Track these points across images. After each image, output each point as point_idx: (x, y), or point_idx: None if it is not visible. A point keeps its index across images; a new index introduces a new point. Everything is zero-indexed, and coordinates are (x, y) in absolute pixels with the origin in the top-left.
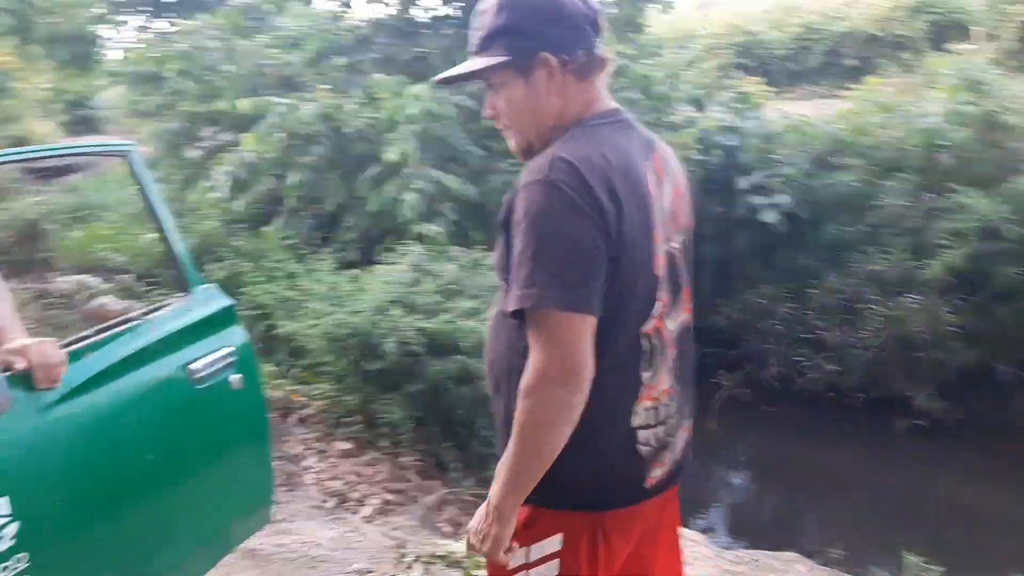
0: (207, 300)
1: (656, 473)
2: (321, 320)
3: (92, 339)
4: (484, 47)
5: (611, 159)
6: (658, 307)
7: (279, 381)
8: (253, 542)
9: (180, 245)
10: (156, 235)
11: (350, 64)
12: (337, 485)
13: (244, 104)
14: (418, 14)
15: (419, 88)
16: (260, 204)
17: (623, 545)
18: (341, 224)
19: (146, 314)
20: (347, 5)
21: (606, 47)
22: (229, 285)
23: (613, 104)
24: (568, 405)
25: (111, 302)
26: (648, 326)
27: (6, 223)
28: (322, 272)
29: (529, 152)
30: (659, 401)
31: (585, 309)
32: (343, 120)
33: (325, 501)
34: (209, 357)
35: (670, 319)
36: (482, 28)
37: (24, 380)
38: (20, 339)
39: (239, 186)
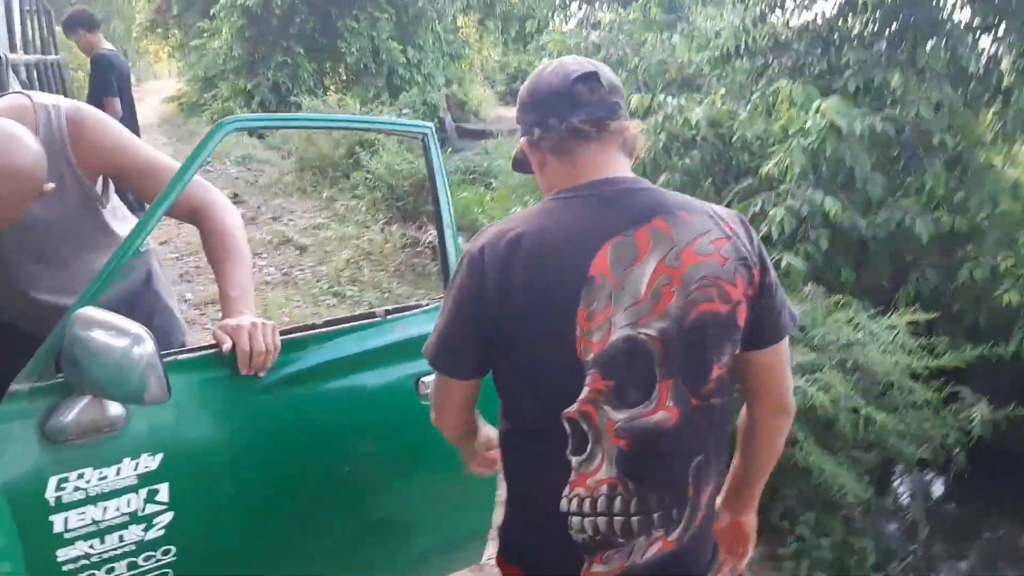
0: None
1: (598, 567)
2: None
3: (320, 330)
4: None
5: (526, 238)
6: (586, 392)
7: None
8: None
9: (452, 242)
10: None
11: (757, 69)
12: None
13: (633, 100)
14: (848, 25)
15: (830, 102)
16: None
17: None
18: None
19: (391, 312)
20: (777, 6)
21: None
22: None
23: (609, 175)
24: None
25: None
26: (571, 409)
27: (407, 174)
28: None
29: None
30: (595, 491)
31: (445, 371)
32: (732, 128)
33: None
34: None
35: (614, 409)
36: None
37: (232, 362)
38: (241, 317)
39: None
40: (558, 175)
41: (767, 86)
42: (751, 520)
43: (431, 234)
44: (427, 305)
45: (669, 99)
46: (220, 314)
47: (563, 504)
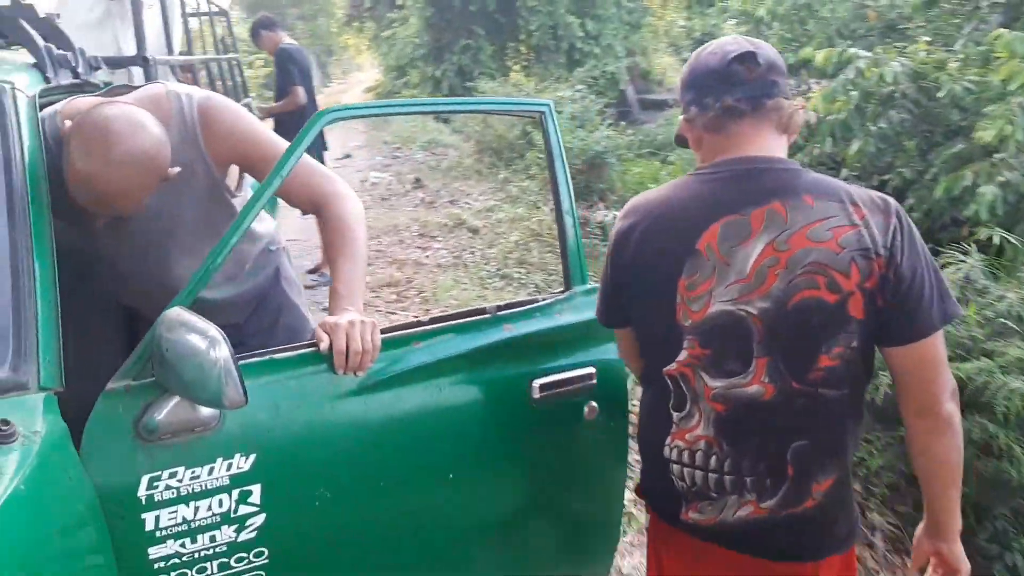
0: (584, 305)
1: (693, 515)
2: None
3: (425, 328)
4: None
5: (654, 207)
6: (684, 355)
7: None
8: None
9: (573, 231)
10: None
11: (969, 12)
12: None
13: (819, 56)
14: None
15: None
16: (813, 166)
17: (670, 563)
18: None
19: (502, 309)
20: None
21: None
22: None
23: (752, 152)
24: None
25: None
26: (671, 368)
27: (577, 151)
28: None
29: None
30: (692, 445)
31: (602, 320)
32: (938, 82)
33: None
34: (562, 375)
35: (710, 376)
36: None
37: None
38: (343, 314)
39: (793, 148)
40: (711, 151)
41: (980, 33)
42: (950, 549)
43: (600, 213)
44: (541, 301)
45: (862, 52)
46: (394, 296)
47: (665, 452)
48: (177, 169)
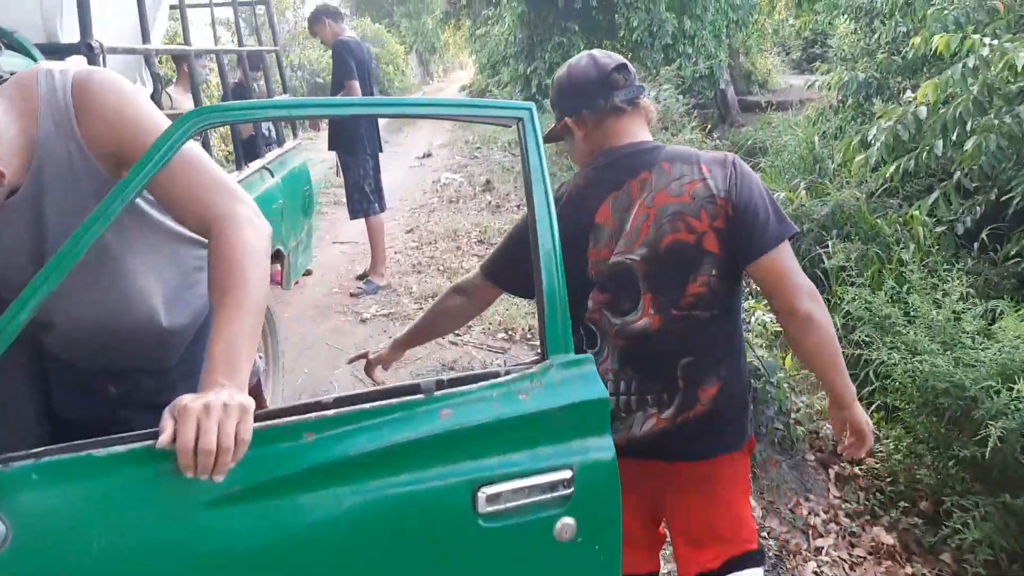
0: (563, 383)
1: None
2: (917, 360)
3: (324, 413)
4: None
5: (566, 193)
6: (591, 304)
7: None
8: None
9: (555, 278)
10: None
11: None
12: None
13: (940, 41)
14: None
15: None
16: (920, 175)
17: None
18: (1018, 227)
19: (444, 386)
20: None
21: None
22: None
23: (631, 140)
24: None
25: None
26: (586, 316)
27: None
28: (949, 293)
29: None
30: (604, 376)
31: (486, 272)
32: None
33: None
34: (523, 480)
35: (613, 316)
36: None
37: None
38: (212, 390)
39: (897, 147)
40: (598, 142)
41: None
42: (852, 415)
43: None
44: (502, 375)
45: (986, 39)
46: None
47: None
48: None
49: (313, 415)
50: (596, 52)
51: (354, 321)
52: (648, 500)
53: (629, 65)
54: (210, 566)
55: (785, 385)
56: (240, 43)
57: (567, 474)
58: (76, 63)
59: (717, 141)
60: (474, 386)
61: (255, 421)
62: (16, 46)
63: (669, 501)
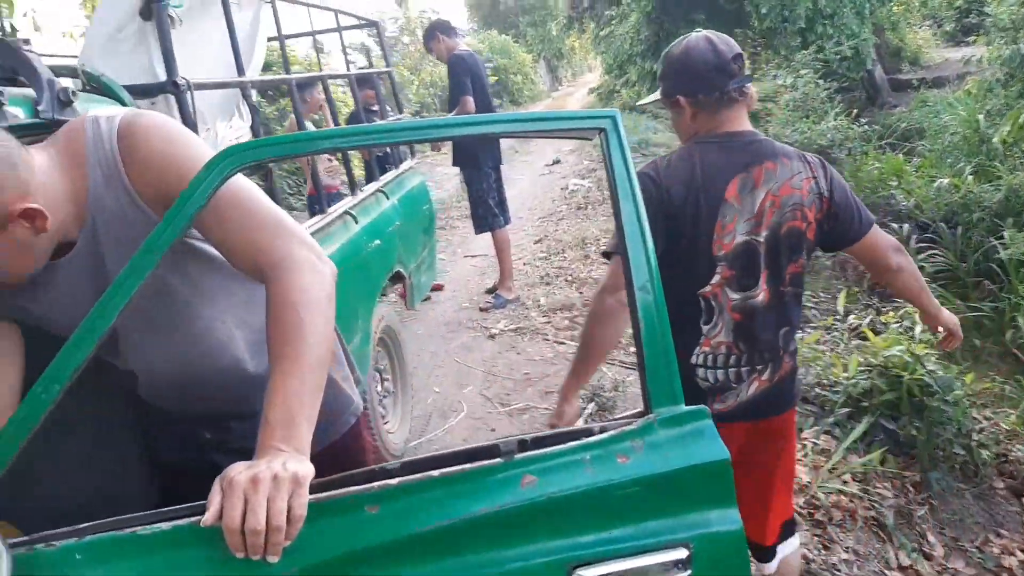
0: (673, 443)
1: (717, 406)
2: None
3: (389, 483)
4: (658, 81)
5: (682, 170)
6: (717, 278)
7: None
8: None
9: (656, 315)
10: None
11: None
12: None
13: None
14: None
15: None
16: None
17: None
18: None
19: (526, 447)
20: None
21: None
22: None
23: (738, 128)
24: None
25: None
26: (706, 290)
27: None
28: None
29: None
30: (716, 350)
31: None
32: None
33: None
34: (629, 560)
35: (732, 291)
36: (670, 70)
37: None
38: (262, 461)
39: None
40: (706, 124)
41: None
42: (944, 316)
43: None
44: (596, 433)
45: None
46: (567, 322)
47: (692, 359)
48: (33, 205)
49: (377, 484)
50: (712, 36)
51: (482, 337)
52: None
53: (743, 54)
54: None
55: (964, 402)
56: (347, 67)
57: (682, 553)
58: (124, 109)
59: (866, 126)
60: (562, 447)
61: (316, 490)
62: (104, 90)
63: (757, 458)
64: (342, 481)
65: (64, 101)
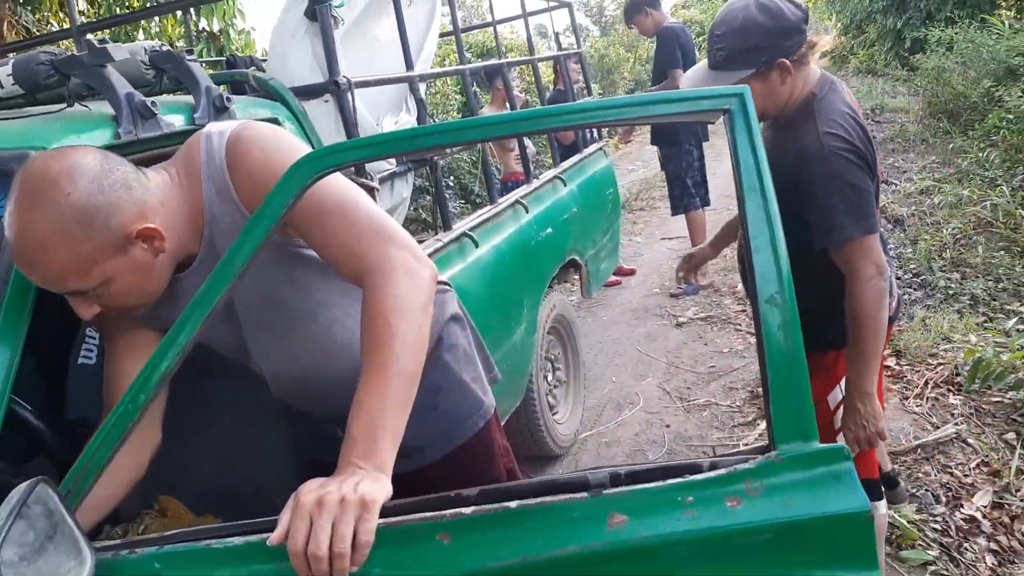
0: (799, 485)
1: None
2: None
3: (461, 512)
4: (730, 61)
5: (852, 122)
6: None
7: None
8: None
9: (785, 332)
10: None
11: None
12: None
13: None
14: None
15: None
16: None
17: None
18: None
19: (619, 482)
20: None
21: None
22: None
23: (818, 71)
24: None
25: None
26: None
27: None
28: None
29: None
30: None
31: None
32: None
33: None
34: None
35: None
36: (727, 47)
37: None
38: (345, 474)
39: None
40: (796, 85)
41: None
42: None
43: None
44: (705, 469)
45: None
46: (741, 306)
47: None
48: (150, 225)
49: (450, 513)
50: None
51: (669, 325)
52: None
53: None
54: None
55: None
56: (559, 46)
57: None
58: (236, 122)
59: None
60: (662, 484)
61: (390, 513)
62: (273, 94)
63: None
64: (419, 505)
65: (220, 107)
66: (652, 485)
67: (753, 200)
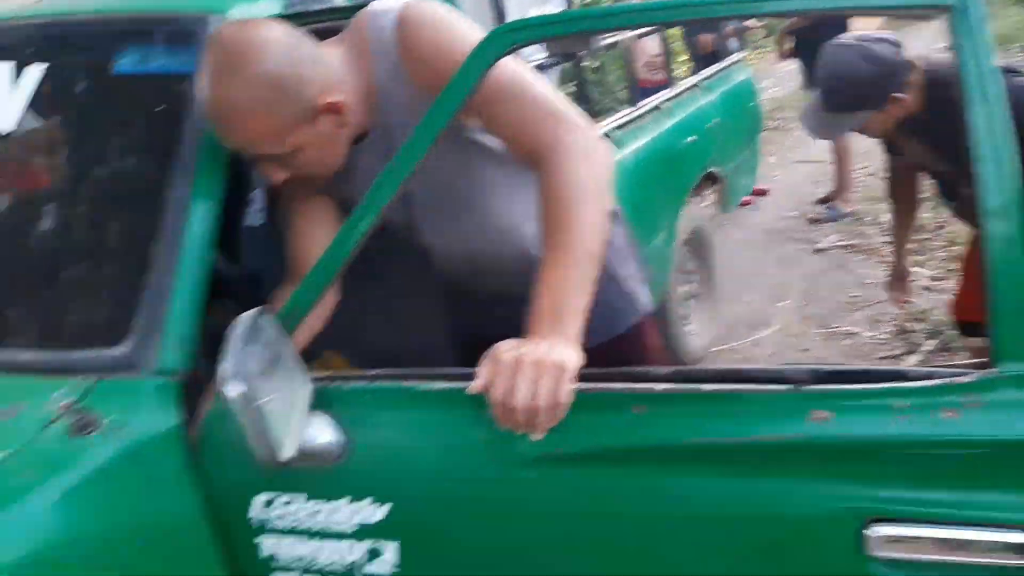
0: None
1: None
2: None
3: (661, 387)
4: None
5: None
6: None
7: None
8: None
9: (1012, 223)
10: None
11: None
12: None
13: None
14: None
15: None
16: None
17: None
18: None
19: (822, 379)
20: None
21: None
22: None
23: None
24: None
25: None
26: None
27: None
28: None
29: None
30: None
31: None
32: None
33: None
34: (944, 528)
35: None
36: (847, 91)
37: None
38: (533, 342)
39: None
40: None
41: None
42: None
43: None
44: (915, 378)
45: None
46: (914, 244)
47: None
48: (337, 98)
49: (645, 386)
50: (864, 35)
51: (807, 250)
52: None
53: None
54: (506, 516)
55: None
56: None
57: (1020, 538)
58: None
59: None
60: (869, 386)
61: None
62: None
63: None
64: (606, 376)
65: None
66: (862, 386)
67: (981, 109)
